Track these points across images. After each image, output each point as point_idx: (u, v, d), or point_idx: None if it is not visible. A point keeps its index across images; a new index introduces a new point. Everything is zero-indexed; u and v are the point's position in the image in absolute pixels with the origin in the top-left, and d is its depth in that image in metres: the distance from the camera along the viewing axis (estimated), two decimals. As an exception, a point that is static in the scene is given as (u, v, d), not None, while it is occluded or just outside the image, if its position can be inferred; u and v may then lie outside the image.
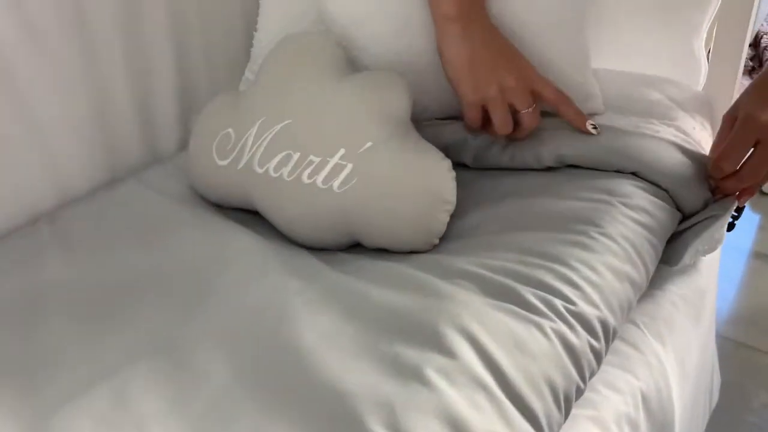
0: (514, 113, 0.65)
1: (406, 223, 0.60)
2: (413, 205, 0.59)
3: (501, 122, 0.65)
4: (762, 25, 2.24)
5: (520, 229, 0.59)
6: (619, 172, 0.65)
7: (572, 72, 0.70)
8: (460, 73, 0.65)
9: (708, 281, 0.70)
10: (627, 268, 0.56)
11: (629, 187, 0.63)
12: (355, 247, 0.64)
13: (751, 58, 2.23)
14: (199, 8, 0.81)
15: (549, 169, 0.67)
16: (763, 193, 1.58)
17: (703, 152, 0.69)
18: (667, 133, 0.69)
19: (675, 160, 0.63)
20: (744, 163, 0.62)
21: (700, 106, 0.77)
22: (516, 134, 0.67)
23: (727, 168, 0.62)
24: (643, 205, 0.61)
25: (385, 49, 0.70)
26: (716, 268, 0.76)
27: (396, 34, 0.69)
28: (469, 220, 0.63)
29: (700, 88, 0.83)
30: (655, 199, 0.63)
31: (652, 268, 0.60)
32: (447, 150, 0.65)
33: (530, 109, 0.64)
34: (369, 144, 0.59)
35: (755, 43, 2.30)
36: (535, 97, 0.65)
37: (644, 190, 0.63)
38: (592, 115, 0.71)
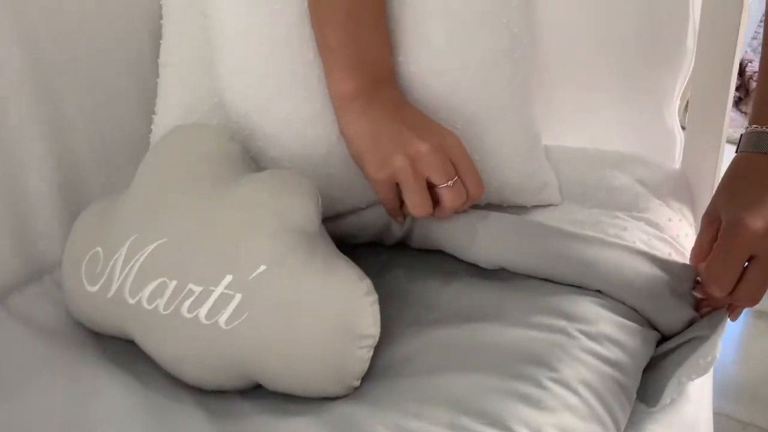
0: (432, 189, 0.53)
1: (313, 366, 0.49)
2: (321, 343, 0.48)
3: (413, 201, 0.53)
4: (746, 51, 2.14)
5: (456, 369, 0.48)
6: (577, 287, 0.52)
7: (520, 161, 0.58)
8: (363, 151, 0.54)
9: (700, 405, 0.57)
10: (590, 429, 0.43)
11: (591, 308, 0.50)
12: (260, 387, 0.52)
13: (737, 88, 2.15)
14: (83, 87, 0.69)
15: (495, 273, 0.56)
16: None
17: (681, 258, 0.56)
18: (636, 229, 0.57)
19: (644, 276, 0.51)
20: (738, 281, 0.49)
21: (677, 188, 0.65)
22: (437, 214, 0.55)
23: (718, 293, 0.50)
24: (609, 334, 0.49)
25: (295, 139, 0.59)
26: (709, 384, 0.63)
27: (309, 121, 0.58)
28: (399, 349, 0.52)
29: (676, 164, 0.71)
30: (625, 321, 0.50)
31: (623, 420, 0.47)
32: (381, 233, 0.59)
33: (450, 183, 0.52)
34: (262, 267, 0.48)
35: (740, 72, 2.22)
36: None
37: (610, 310, 0.51)
38: (547, 206, 0.59)
